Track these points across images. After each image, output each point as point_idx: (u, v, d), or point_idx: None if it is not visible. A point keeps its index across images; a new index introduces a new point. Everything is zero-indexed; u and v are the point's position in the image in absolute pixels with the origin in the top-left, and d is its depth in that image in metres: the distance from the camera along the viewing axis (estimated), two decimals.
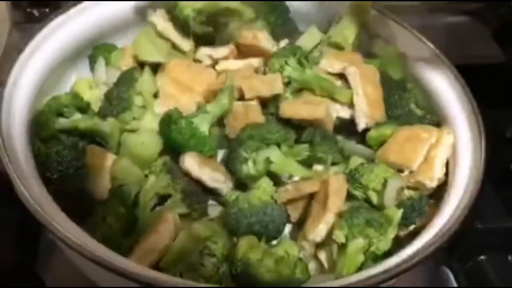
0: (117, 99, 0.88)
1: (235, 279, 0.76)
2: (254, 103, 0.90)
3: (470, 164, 0.84)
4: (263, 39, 0.96)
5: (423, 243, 0.73)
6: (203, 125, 0.85)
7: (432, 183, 0.84)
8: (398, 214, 0.80)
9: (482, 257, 0.98)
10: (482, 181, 0.80)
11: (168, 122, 0.83)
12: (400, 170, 0.86)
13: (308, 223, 0.80)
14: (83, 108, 0.88)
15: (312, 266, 0.81)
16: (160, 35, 0.95)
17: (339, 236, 0.75)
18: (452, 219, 0.75)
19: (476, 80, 0.95)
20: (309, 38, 1.02)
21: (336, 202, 0.78)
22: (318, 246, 0.80)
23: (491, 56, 1.35)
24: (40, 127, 0.83)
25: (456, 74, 0.95)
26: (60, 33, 0.92)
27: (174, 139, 0.82)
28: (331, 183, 0.80)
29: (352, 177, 0.84)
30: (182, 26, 0.94)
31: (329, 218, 0.78)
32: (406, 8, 1.37)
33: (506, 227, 0.98)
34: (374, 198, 0.82)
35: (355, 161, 0.89)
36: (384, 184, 0.81)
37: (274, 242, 0.85)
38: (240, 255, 0.75)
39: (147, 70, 0.93)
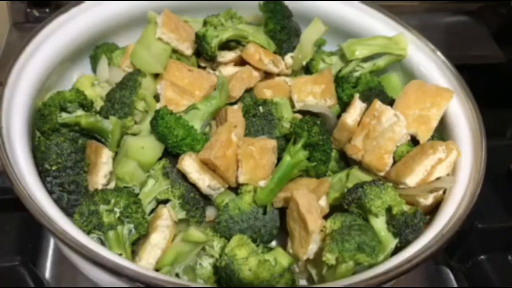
0: (120, 104, 0.88)
1: (218, 272, 0.77)
2: (236, 106, 0.91)
3: (471, 164, 0.84)
4: (268, 62, 0.97)
5: (424, 244, 0.73)
6: (194, 121, 0.85)
7: (427, 201, 0.83)
8: (393, 243, 0.78)
9: (482, 256, 0.98)
10: (482, 181, 0.80)
11: (156, 118, 0.84)
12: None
13: (296, 244, 0.79)
14: (86, 105, 0.88)
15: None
16: (161, 39, 0.95)
17: (330, 258, 0.74)
18: (453, 220, 0.75)
19: (476, 80, 0.95)
20: (313, 30, 1.02)
21: (315, 221, 0.77)
22: (308, 260, 0.79)
23: (490, 56, 1.35)
24: (42, 119, 0.84)
25: (456, 73, 0.95)
26: (61, 33, 0.92)
27: (161, 133, 0.83)
28: (299, 202, 0.78)
29: (355, 194, 0.80)
30: (204, 50, 0.96)
31: (316, 237, 0.77)
32: (406, 8, 1.38)
33: (506, 227, 0.98)
34: (373, 221, 0.80)
35: (356, 173, 0.88)
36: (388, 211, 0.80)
37: (273, 244, 0.85)
38: (228, 250, 0.76)
39: (149, 76, 0.94)
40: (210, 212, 0.86)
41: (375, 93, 0.96)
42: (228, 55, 0.98)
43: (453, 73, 0.96)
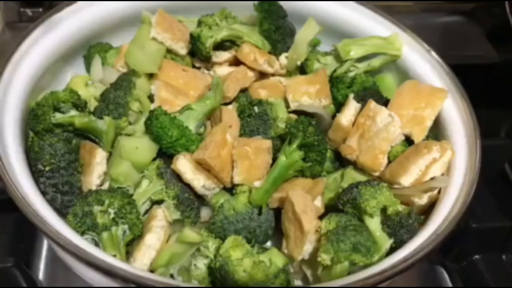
0: (114, 104, 0.88)
1: (212, 273, 0.77)
2: (230, 106, 0.90)
3: (465, 164, 0.84)
4: (263, 62, 0.97)
5: (419, 244, 0.73)
6: (188, 122, 0.85)
7: (422, 201, 0.83)
8: (387, 243, 0.78)
9: (476, 256, 0.98)
10: (477, 181, 0.80)
11: (150, 118, 0.83)
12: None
13: (291, 245, 0.79)
14: (80, 105, 0.88)
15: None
16: (155, 39, 0.95)
17: (325, 259, 0.74)
18: (448, 220, 0.75)
19: (470, 80, 0.95)
20: (308, 31, 1.01)
21: (311, 221, 0.77)
22: (303, 260, 0.79)
23: (485, 56, 1.35)
24: (36, 119, 0.83)
25: (450, 73, 0.96)
26: (54, 32, 0.92)
27: (156, 133, 0.83)
28: (294, 202, 0.78)
29: (350, 194, 0.80)
30: (199, 50, 0.96)
31: (311, 237, 0.77)
32: (401, 8, 1.38)
33: (500, 226, 0.99)
34: (368, 221, 0.80)
35: (351, 173, 0.88)
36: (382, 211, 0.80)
37: (268, 244, 0.85)
38: (223, 251, 0.76)
39: (143, 76, 0.93)
40: (205, 213, 0.85)
41: (370, 93, 0.96)
42: (223, 55, 0.98)
43: (447, 73, 0.96)
